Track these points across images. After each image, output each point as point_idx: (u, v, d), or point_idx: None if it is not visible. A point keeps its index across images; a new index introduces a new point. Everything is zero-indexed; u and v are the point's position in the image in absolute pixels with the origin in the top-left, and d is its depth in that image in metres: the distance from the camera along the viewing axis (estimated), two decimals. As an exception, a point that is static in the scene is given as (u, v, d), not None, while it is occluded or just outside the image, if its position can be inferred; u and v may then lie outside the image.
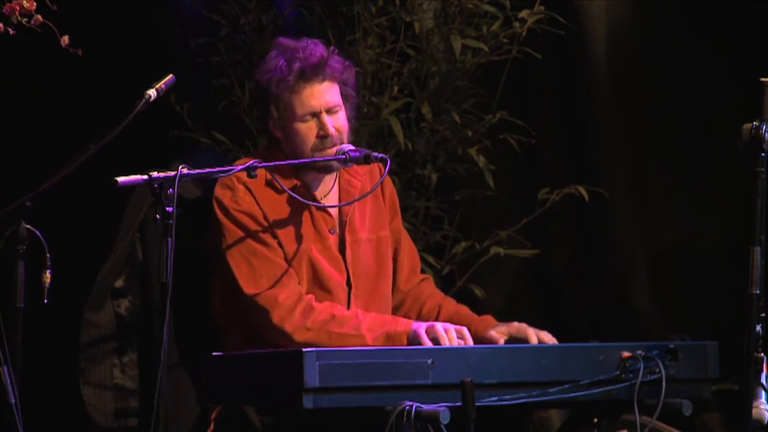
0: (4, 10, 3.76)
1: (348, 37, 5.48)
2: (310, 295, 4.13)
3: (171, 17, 5.65)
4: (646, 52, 5.97)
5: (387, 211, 4.40)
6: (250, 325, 4.13)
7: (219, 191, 4.17)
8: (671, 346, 4.06)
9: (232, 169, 3.93)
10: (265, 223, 4.15)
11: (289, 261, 4.15)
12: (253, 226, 4.14)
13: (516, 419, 5.50)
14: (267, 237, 4.14)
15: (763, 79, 3.59)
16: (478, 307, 4.44)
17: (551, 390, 3.89)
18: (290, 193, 4.15)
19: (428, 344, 3.98)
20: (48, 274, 3.75)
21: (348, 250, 4.25)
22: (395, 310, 4.40)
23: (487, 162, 5.65)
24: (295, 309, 4.07)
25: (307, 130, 4.17)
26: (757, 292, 3.51)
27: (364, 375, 3.69)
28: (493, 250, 5.64)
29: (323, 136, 4.16)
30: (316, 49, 4.18)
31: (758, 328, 3.52)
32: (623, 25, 5.97)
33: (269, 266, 4.12)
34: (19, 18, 3.77)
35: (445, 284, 5.51)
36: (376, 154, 4.12)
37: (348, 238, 4.26)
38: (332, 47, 4.25)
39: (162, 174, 3.65)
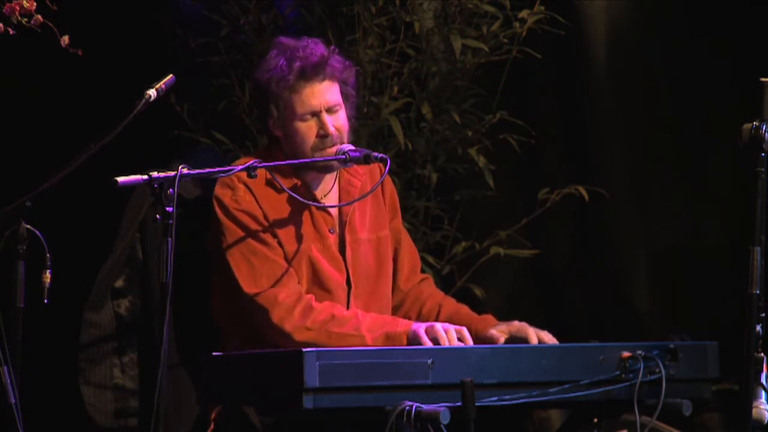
0: (4, 10, 3.76)
1: (348, 37, 5.48)
2: (309, 295, 4.13)
3: (171, 17, 5.65)
4: (646, 52, 5.97)
5: (387, 211, 4.40)
6: (250, 324, 4.13)
7: (219, 190, 4.17)
8: (671, 346, 4.06)
9: (232, 169, 3.94)
10: (265, 223, 4.15)
11: (289, 260, 4.15)
12: (253, 226, 4.14)
13: (516, 419, 5.50)
14: (267, 236, 4.15)
15: (763, 79, 3.59)
16: (478, 308, 4.44)
17: (551, 390, 3.89)
18: (290, 193, 4.15)
19: (428, 344, 3.98)
20: (48, 274, 3.75)
21: (348, 250, 4.25)
22: (395, 310, 4.40)
23: (487, 162, 5.65)
24: (294, 309, 4.07)
25: (307, 129, 4.17)
26: (757, 292, 3.51)
27: (364, 375, 3.69)
28: (493, 250, 5.64)
29: (323, 135, 4.16)
30: (316, 48, 4.18)
31: (758, 328, 3.52)
32: (623, 25, 5.97)
33: (269, 265, 4.12)
34: (19, 18, 3.77)
35: (445, 284, 5.51)
36: (376, 154, 4.12)
37: (348, 237, 4.26)
38: (332, 46, 4.25)
39: (162, 174, 3.65)
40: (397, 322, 4.07)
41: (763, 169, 3.56)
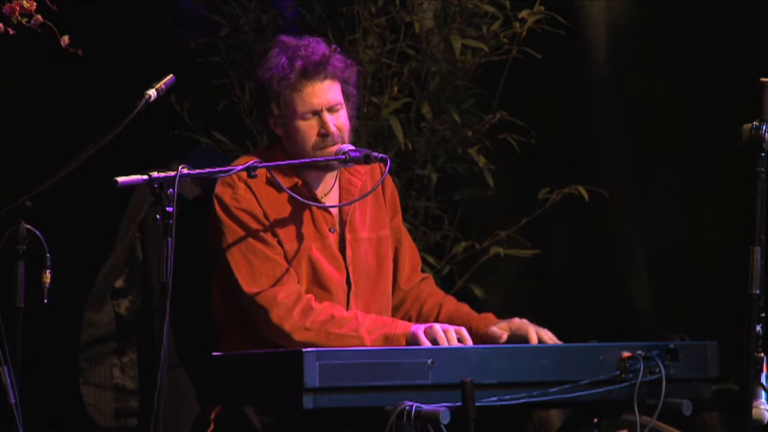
0: (4, 10, 3.75)
1: (348, 37, 5.48)
2: (309, 295, 4.13)
3: (171, 17, 5.65)
4: (646, 52, 5.97)
5: (387, 211, 4.40)
6: (250, 323, 4.13)
7: (219, 189, 4.17)
8: (671, 346, 4.06)
9: (232, 169, 3.94)
10: (266, 222, 4.15)
11: (289, 260, 4.15)
12: (253, 225, 4.14)
13: (516, 419, 5.49)
14: (267, 235, 4.15)
15: (763, 79, 3.59)
16: (478, 307, 4.44)
17: (551, 390, 3.89)
18: (290, 193, 4.15)
19: (427, 346, 3.98)
20: (48, 274, 3.74)
21: (348, 249, 4.25)
22: (396, 309, 4.41)
23: (487, 162, 5.65)
24: (294, 308, 4.07)
25: (308, 128, 4.17)
26: (757, 292, 3.52)
27: (364, 375, 3.69)
28: (493, 250, 5.64)
29: (324, 134, 4.16)
30: (318, 47, 4.18)
31: (758, 328, 3.52)
32: (623, 25, 5.97)
33: (269, 265, 4.12)
34: (19, 18, 3.76)
35: (445, 284, 5.51)
36: (376, 154, 4.12)
37: (348, 237, 4.26)
38: (334, 45, 4.25)
39: (162, 174, 3.65)
40: (396, 324, 4.07)
41: (763, 169, 3.56)
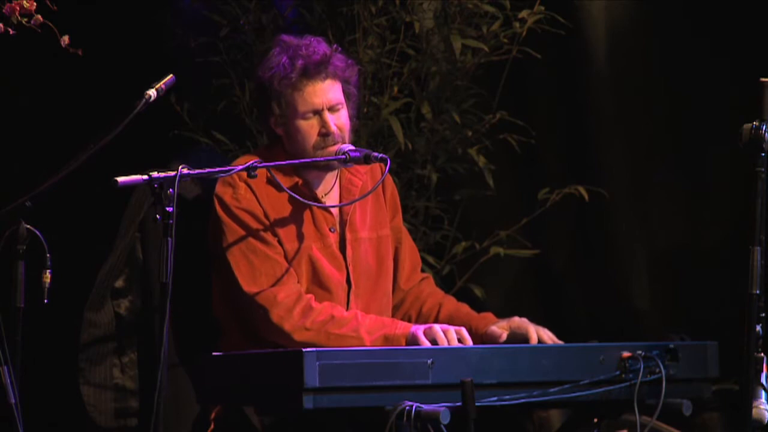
0: (4, 10, 3.75)
1: (348, 37, 5.48)
2: (309, 295, 4.13)
3: (171, 17, 5.65)
4: (646, 52, 5.97)
5: (388, 210, 4.40)
6: (250, 323, 4.13)
7: (220, 188, 4.17)
8: (671, 346, 4.06)
9: (232, 169, 3.94)
10: (266, 221, 4.15)
11: (289, 259, 4.16)
12: (253, 224, 4.14)
13: (516, 419, 5.50)
14: (267, 235, 4.15)
15: (763, 79, 3.59)
16: (478, 307, 4.44)
17: (551, 390, 3.88)
18: (290, 193, 4.15)
19: (427, 346, 3.98)
20: (48, 274, 3.74)
21: (348, 249, 4.25)
22: (395, 309, 4.41)
23: (487, 162, 5.65)
24: (294, 308, 4.07)
25: (309, 127, 4.17)
26: (757, 292, 3.52)
27: (364, 375, 3.69)
28: (493, 250, 5.64)
29: (325, 133, 4.16)
30: (319, 46, 4.18)
31: (758, 328, 3.52)
32: (623, 25, 5.98)
33: (269, 264, 4.12)
34: (19, 18, 3.76)
35: (445, 284, 5.51)
36: (376, 154, 4.12)
37: (348, 236, 4.26)
38: (335, 45, 4.25)
39: (162, 174, 3.65)
40: (396, 325, 4.07)
41: (763, 169, 3.56)
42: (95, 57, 4.20)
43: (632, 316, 5.96)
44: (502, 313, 4.35)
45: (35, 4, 3.78)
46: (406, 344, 4.01)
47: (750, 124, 3.57)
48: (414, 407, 3.63)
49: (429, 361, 3.75)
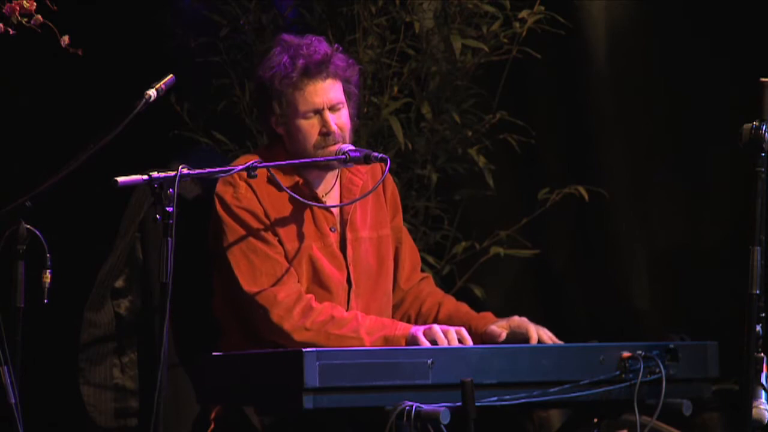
0: (4, 10, 3.75)
1: (348, 37, 5.48)
2: (310, 295, 4.13)
3: (171, 17, 5.65)
4: (646, 52, 5.97)
5: (388, 210, 4.40)
6: (250, 322, 4.13)
7: (221, 188, 4.17)
8: (671, 346, 4.06)
9: (232, 169, 3.94)
10: (266, 221, 4.15)
11: (289, 259, 4.16)
12: (254, 224, 4.14)
13: (516, 419, 5.50)
14: (268, 234, 4.15)
15: (763, 79, 3.59)
16: (478, 307, 4.44)
17: (551, 390, 3.88)
18: (290, 193, 4.15)
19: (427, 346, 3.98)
20: (48, 274, 3.74)
21: (349, 248, 4.25)
22: (395, 308, 4.41)
23: (487, 162, 5.65)
24: (294, 308, 4.07)
25: (310, 127, 4.17)
26: (757, 292, 3.52)
27: (364, 375, 3.69)
28: (493, 250, 5.64)
29: (326, 133, 4.16)
30: (320, 46, 4.18)
31: (758, 328, 3.52)
32: (623, 25, 5.98)
33: (269, 264, 4.12)
34: (19, 18, 3.76)
35: (445, 284, 5.51)
36: (376, 154, 4.12)
37: (349, 236, 4.26)
38: (336, 44, 4.25)
39: (162, 174, 3.65)
40: (396, 326, 4.07)
41: (763, 169, 3.56)
42: (95, 57, 4.20)
43: (632, 316, 5.96)
44: (502, 313, 4.35)
45: (35, 4, 3.78)
46: (406, 345, 4.01)
47: (750, 124, 3.57)
48: (414, 407, 3.63)
49: (429, 361, 3.75)
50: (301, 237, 4.18)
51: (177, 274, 3.62)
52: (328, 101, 4.17)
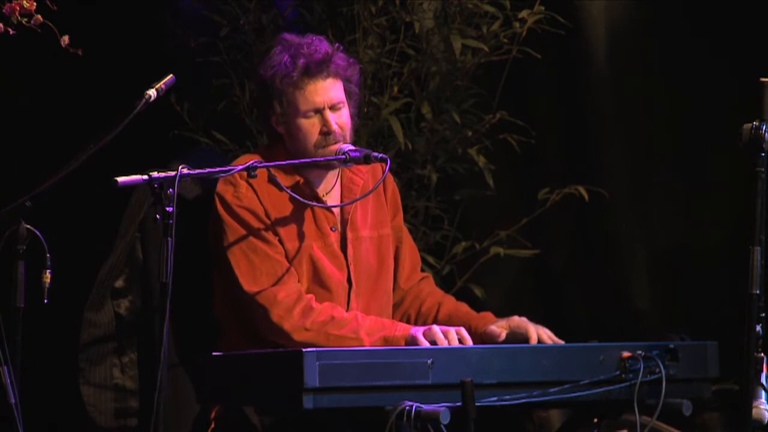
0: (4, 10, 3.75)
1: (348, 37, 5.48)
2: (310, 295, 4.13)
3: (171, 17, 5.65)
4: (646, 52, 5.97)
5: (389, 209, 4.40)
6: (250, 322, 4.13)
7: (221, 187, 4.17)
8: (671, 346, 4.06)
9: (232, 169, 3.94)
10: (267, 220, 4.15)
11: (290, 258, 4.16)
12: (254, 223, 4.14)
13: (516, 419, 5.50)
14: (268, 234, 4.15)
15: (763, 80, 3.59)
16: (478, 307, 4.44)
17: (551, 390, 3.88)
18: (290, 193, 4.15)
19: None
20: (48, 274, 3.74)
21: (349, 248, 4.25)
22: (395, 308, 4.41)
23: (487, 162, 5.65)
24: (294, 308, 4.07)
25: (310, 126, 4.18)
26: (757, 292, 3.52)
27: (364, 375, 3.69)
28: (493, 250, 5.64)
29: (326, 132, 4.16)
30: (320, 45, 4.18)
31: (758, 328, 3.52)
32: (623, 25, 5.98)
33: (269, 263, 4.12)
34: (19, 18, 3.76)
35: (445, 284, 5.51)
36: (376, 154, 4.12)
37: (350, 235, 4.26)
38: (337, 44, 4.25)
39: (162, 174, 3.65)
40: (396, 327, 4.07)
41: (763, 169, 3.56)
42: (95, 57, 4.20)
43: (632, 316, 5.96)
44: (502, 313, 4.35)
45: (35, 4, 3.78)
46: (406, 346, 4.01)
47: (750, 124, 3.57)
48: (414, 407, 3.63)
49: (429, 361, 3.75)
50: (301, 236, 4.18)
51: (177, 274, 3.62)
52: (329, 100, 4.17)
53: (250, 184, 4.14)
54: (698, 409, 4.21)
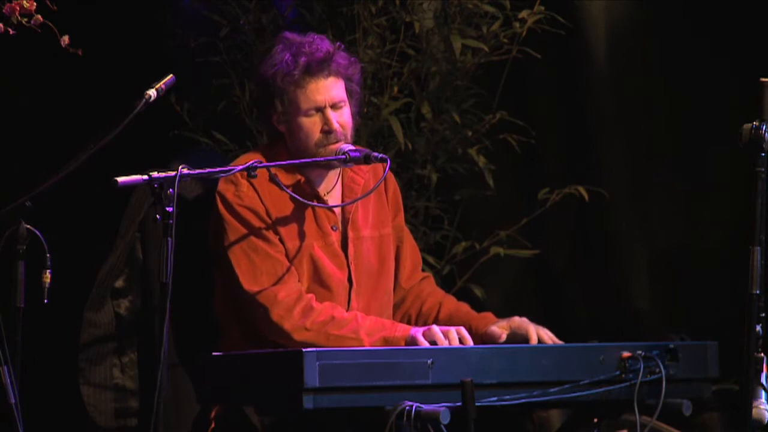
0: (4, 10, 3.75)
1: (348, 37, 5.48)
2: (310, 295, 4.13)
3: (171, 17, 5.65)
4: (646, 52, 5.97)
5: (390, 209, 4.40)
6: (250, 321, 4.13)
7: (222, 186, 4.17)
8: (671, 346, 4.06)
9: (232, 169, 3.94)
10: (268, 219, 4.15)
11: (290, 258, 4.16)
12: (255, 222, 4.14)
13: (516, 419, 5.49)
14: (269, 233, 4.15)
15: (763, 80, 3.59)
16: (478, 307, 4.44)
17: (551, 390, 3.89)
18: (291, 194, 4.15)
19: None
20: (48, 274, 3.74)
21: (350, 247, 4.25)
22: (396, 308, 4.41)
23: (487, 162, 5.65)
24: (294, 308, 4.07)
25: (312, 125, 4.18)
26: (757, 292, 3.52)
27: (364, 375, 3.69)
28: (493, 250, 5.64)
29: (327, 131, 4.16)
30: (322, 44, 4.18)
31: (758, 328, 3.52)
32: (623, 25, 5.97)
33: (270, 263, 4.12)
34: (19, 18, 3.76)
35: (445, 284, 5.51)
36: (376, 154, 4.12)
37: (350, 235, 4.26)
38: (338, 43, 4.25)
39: (162, 174, 3.65)
40: (395, 327, 4.07)
41: (763, 169, 3.56)
42: (95, 57, 4.20)
43: (632, 316, 5.96)
44: (502, 313, 4.35)
45: (35, 4, 3.78)
46: (405, 346, 4.01)
47: (750, 124, 3.57)
48: (414, 407, 3.63)
49: (429, 361, 3.75)
50: (302, 236, 4.19)
51: (177, 274, 3.62)
52: (330, 99, 4.17)
53: (251, 183, 4.14)
54: (698, 409, 4.21)
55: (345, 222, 4.27)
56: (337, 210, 4.27)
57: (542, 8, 5.54)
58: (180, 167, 3.68)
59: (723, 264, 5.66)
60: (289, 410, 3.73)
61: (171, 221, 3.61)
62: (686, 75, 5.91)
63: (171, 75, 3.87)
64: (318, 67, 4.15)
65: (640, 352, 4.00)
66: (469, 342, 4.01)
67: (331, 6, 5.53)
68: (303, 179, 4.21)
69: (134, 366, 4.33)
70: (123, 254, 4.30)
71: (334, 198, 4.28)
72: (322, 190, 4.26)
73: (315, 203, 4.21)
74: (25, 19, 3.78)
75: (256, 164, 3.93)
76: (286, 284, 4.11)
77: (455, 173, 5.70)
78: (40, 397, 4.68)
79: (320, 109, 4.17)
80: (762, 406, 3.55)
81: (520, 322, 4.23)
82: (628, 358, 3.99)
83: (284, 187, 4.15)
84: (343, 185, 4.30)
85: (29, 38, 3.84)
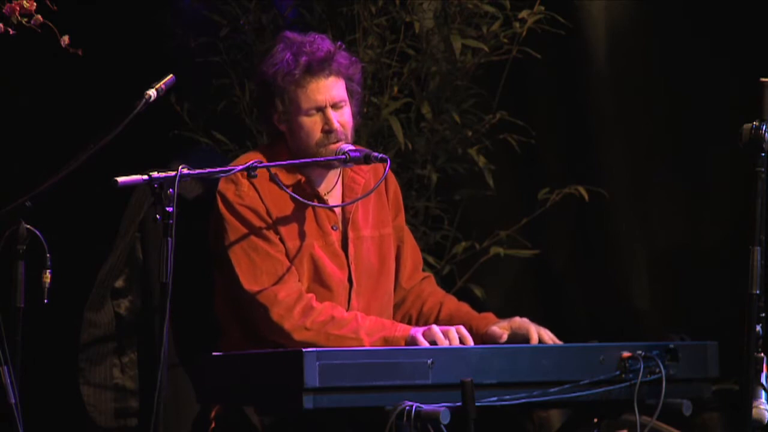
0: (4, 10, 3.75)
1: (348, 37, 5.48)
2: (310, 294, 4.13)
3: (171, 17, 5.65)
4: (646, 52, 5.97)
5: (390, 209, 4.40)
6: (250, 321, 4.13)
7: (223, 185, 4.17)
8: (671, 346, 4.06)
9: (232, 169, 3.94)
10: (268, 219, 4.16)
11: (290, 257, 4.16)
12: (255, 221, 4.14)
13: (516, 419, 5.49)
14: (269, 233, 4.15)
15: (763, 80, 3.59)
16: (478, 307, 4.44)
17: (551, 390, 3.89)
18: (291, 194, 4.15)
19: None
20: (48, 274, 3.74)
21: (351, 247, 4.25)
22: (396, 308, 4.41)
23: (487, 162, 5.65)
24: (294, 308, 4.07)
25: (312, 124, 4.18)
26: (757, 292, 3.52)
27: (364, 375, 3.69)
28: (493, 250, 5.64)
29: (328, 131, 4.16)
30: (323, 43, 4.18)
31: (758, 328, 3.52)
32: (623, 25, 5.98)
33: (270, 262, 4.12)
34: (19, 18, 3.76)
35: (445, 284, 5.50)
36: (375, 154, 4.12)
37: (351, 234, 4.26)
38: (339, 42, 4.25)
39: (162, 174, 3.65)
40: (395, 327, 4.07)
41: (763, 169, 3.56)
42: (95, 57, 4.20)
43: (632, 316, 5.96)
44: (503, 313, 4.35)
45: (35, 4, 3.78)
46: (405, 346, 4.01)
47: (750, 124, 3.57)
48: (414, 407, 3.63)
49: (429, 361, 3.76)
50: (302, 235, 4.19)
51: (177, 274, 3.62)
52: (331, 99, 4.17)
53: (251, 183, 4.14)
54: (698, 409, 4.21)
55: (345, 222, 4.27)
56: (338, 210, 4.27)
57: (542, 8, 5.54)
58: (180, 167, 3.68)
59: (723, 264, 5.66)
60: (289, 410, 3.73)
61: (171, 221, 3.62)
62: (686, 75, 5.91)
63: (171, 75, 3.87)
64: (319, 66, 4.15)
65: (640, 352, 4.00)
66: (470, 341, 4.01)
67: (331, 6, 5.53)
68: (303, 179, 4.21)
69: (134, 366, 4.33)
70: (123, 254, 4.30)
71: (334, 198, 4.28)
72: (322, 189, 4.26)
73: (315, 203, 4.21)
74: (25, 19, 3.78)
75: (256, 164, 3.93)
76: (287, 284, 4.11)
77: (455, 173, 5.70)
78: (40, 397, 4.68)
79: (321, 109, 4.17)
80: (762, 406, 3.55)
81: (521, 322, 4.23)
82: (628, 358, 3.99)
83: (284, 187, 4.15)
84: (343, 185, 4.30)
85: (29, 38, 3.84)
